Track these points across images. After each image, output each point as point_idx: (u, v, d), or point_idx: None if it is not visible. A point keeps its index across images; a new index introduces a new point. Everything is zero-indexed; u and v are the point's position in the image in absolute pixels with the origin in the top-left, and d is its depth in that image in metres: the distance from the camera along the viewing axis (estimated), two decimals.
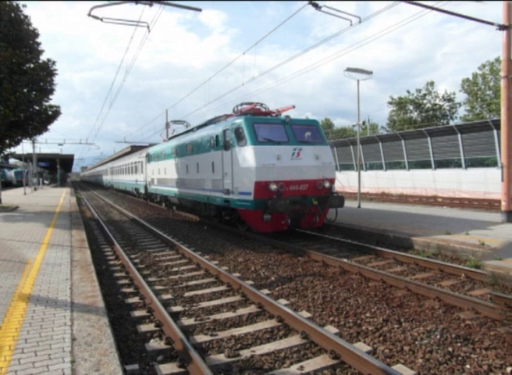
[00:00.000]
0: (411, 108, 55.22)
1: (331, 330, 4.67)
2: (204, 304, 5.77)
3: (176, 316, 5.25)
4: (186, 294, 6.27)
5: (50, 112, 17.13)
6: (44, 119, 17.11)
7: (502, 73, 11.33)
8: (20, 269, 6.41)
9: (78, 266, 6.68)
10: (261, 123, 10.55)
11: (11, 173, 57.34)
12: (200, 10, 9.51)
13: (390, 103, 56.70)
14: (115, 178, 40.27)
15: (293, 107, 12.06)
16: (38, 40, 16.08)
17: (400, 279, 6.50)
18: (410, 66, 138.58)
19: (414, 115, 54.94)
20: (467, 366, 3.80)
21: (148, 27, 9.95)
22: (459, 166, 27.00)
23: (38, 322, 4.18)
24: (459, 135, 26.16)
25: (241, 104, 12.52)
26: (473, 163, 26.41)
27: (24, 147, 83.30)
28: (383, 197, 28.07)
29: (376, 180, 33.08)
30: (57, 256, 7.46)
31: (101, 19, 9.20)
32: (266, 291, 6.25)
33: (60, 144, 41.71)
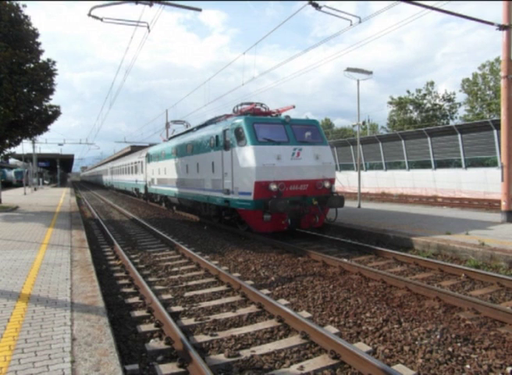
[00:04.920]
0: (411, 108, 55.23)
1: (331, 330, 4.66)
2: (204, 304, 5.77)
3: (176, 316, 5.25)
4: (186, 294, 6.27)
5: (50, 112, 17.13)
6: (44, 119, 17.11)
7: (502, 73, 11.33)
8: None
9: (78, 266, 6.68)
10: (261, 123, 10.55)
11: (11, 173, 57.32)
12: (200, 10, 9.51)
13: (390, 103, 56.72)
14: (115, 178, 40.26)
15: (293, 107, 12.06)
16: (38, 40, 16.09)
17: (399, 279, 6.50)
18: (410, 66, 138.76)
19: (414, 115, 54.95)
20: (467, 366, 3.80)
21: (148, 27, 9.95)
22: (459, 166, 27.01)
23: (38, 322, 4.18)
24: (459, 135, 26.17)
25: (241, 104, 12.52)
26: (473, 163, 26.42)
27: (24, 147, 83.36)
28: (383, 197, 28.07)
29: (376, 180, 33.08)
30: (57, 256, 7.45)
31: (101, 19, 9.20)
32: (266, 291, 6.25)
33: (60, 144, 41.71)
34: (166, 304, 5.75)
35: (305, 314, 5.22)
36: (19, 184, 49.10)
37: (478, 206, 20.20)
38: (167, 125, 30.51)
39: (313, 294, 6.10)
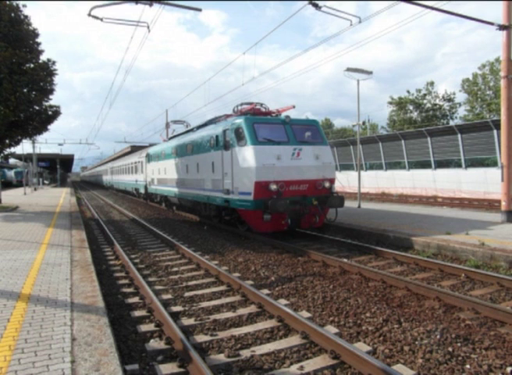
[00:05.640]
0: (411, 108, 55.24)
1: (331, 330, 4.66)
2: (204, 304, 5.77)
3: (176, 316, 5.25)
4: (186, 294, 6.27)
5: (50, 112, 17.13)
6: (44, 119, 17.11)
7: (502, 73, 11.33)
8: None
9: (78, 266, 6.68)
10: (261, 123, 10.55)
11: (11, 173, 57.32)
12: (200, 10, 9.51)
13: (390, 103, 56.72)
14: (115, 178, 40.27)
15: (293, 107, 12.06)
16: (38, 40, 16.10)
17: (399, 279, 6.50)
18: (410, 66, 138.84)
19: (414, 115, 54.95)
20: (467, 366, 3.80)
21: (148, 27, 9.96)
22: (459, 166, 27.01)
23: (38, 322, 4.18)
24: (459, 135, 26.17)
25: (241, 104, 12.51)
26: (473, 163, 26.42)
27: (24, 147, 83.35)
28: (383, 197, 28.07)
29: (376, 180, 33.08)
30: (57, 256, 7.45)
31: (101, 19, 9.20)
32: (266, 291, 6.25)
33: (60, 144, 41.71)
34: (166, 304, 5.75)
35: (305, 314, 5.22)
36: (19, 184, 49.10)
37: (478, 206, 20.20)
38: (167, 125, 30.51)
39: (313, 294, 6.10)
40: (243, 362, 3.96)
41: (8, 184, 50.21)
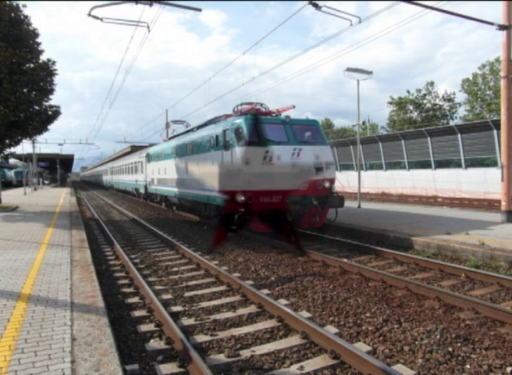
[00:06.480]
0: (411, 108, 55.23)
1: (331, 330, 4.66)
2: (204, 304, 5.77)
3: (176, 316, 5.24)
4: (186, 294, 6.27)
5: (50, 112, 17.14)
6: (44, 119, 17.13)
7: (502, 73, 11.33)
8: None
9: (78, 266, 6.68)
10: (261, 123, 10.54)
11: (11, 173, 57.33)
12: (200, 10, 9.53)
13: (390, 103, 56.71)
14: (115, 178, 40.26)
15: (293, 107, 12.06)
16: (38, 40, 16.11)
17: (400, 279, 6.50)
18: (410, 66, 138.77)
19: (414, 115, 54.94)
20: (467, 366, 3.80)
21: (148, 27, 9.96)
22: (459, 166, 27.02)
23: (38, 322, 4.18)
24: (459, 135, 26.18)
25: (241, 104, 12.51)
26: (473, 163, 26.43)
27: (24, 147, 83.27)
28: (383, 197, 28.08)
29: (376, 180, 33.09)
30: (57, 256, 7.45)
31: (101, 19, 9.21)
32: (266, 291, 6.25)
33: (60, 144, 41.78)
34: (166, 304, 5.75)
35: (305, 314, 5.22)
36: (19, 184, 49.10)
37: (478, 206, 20.21)
38: (167, 125, 30.52)
39: (313, 294, 6.10)
40: (243, 362, 3.96)
41: (8, 184, 50.21)
